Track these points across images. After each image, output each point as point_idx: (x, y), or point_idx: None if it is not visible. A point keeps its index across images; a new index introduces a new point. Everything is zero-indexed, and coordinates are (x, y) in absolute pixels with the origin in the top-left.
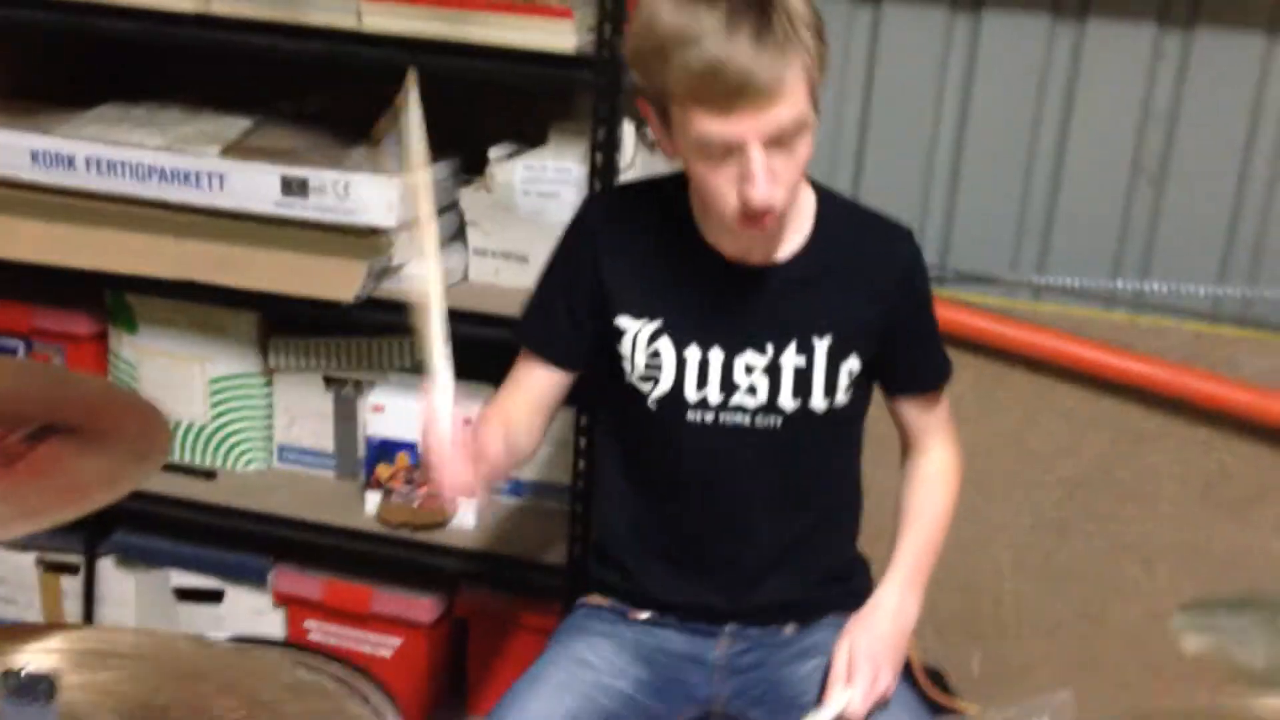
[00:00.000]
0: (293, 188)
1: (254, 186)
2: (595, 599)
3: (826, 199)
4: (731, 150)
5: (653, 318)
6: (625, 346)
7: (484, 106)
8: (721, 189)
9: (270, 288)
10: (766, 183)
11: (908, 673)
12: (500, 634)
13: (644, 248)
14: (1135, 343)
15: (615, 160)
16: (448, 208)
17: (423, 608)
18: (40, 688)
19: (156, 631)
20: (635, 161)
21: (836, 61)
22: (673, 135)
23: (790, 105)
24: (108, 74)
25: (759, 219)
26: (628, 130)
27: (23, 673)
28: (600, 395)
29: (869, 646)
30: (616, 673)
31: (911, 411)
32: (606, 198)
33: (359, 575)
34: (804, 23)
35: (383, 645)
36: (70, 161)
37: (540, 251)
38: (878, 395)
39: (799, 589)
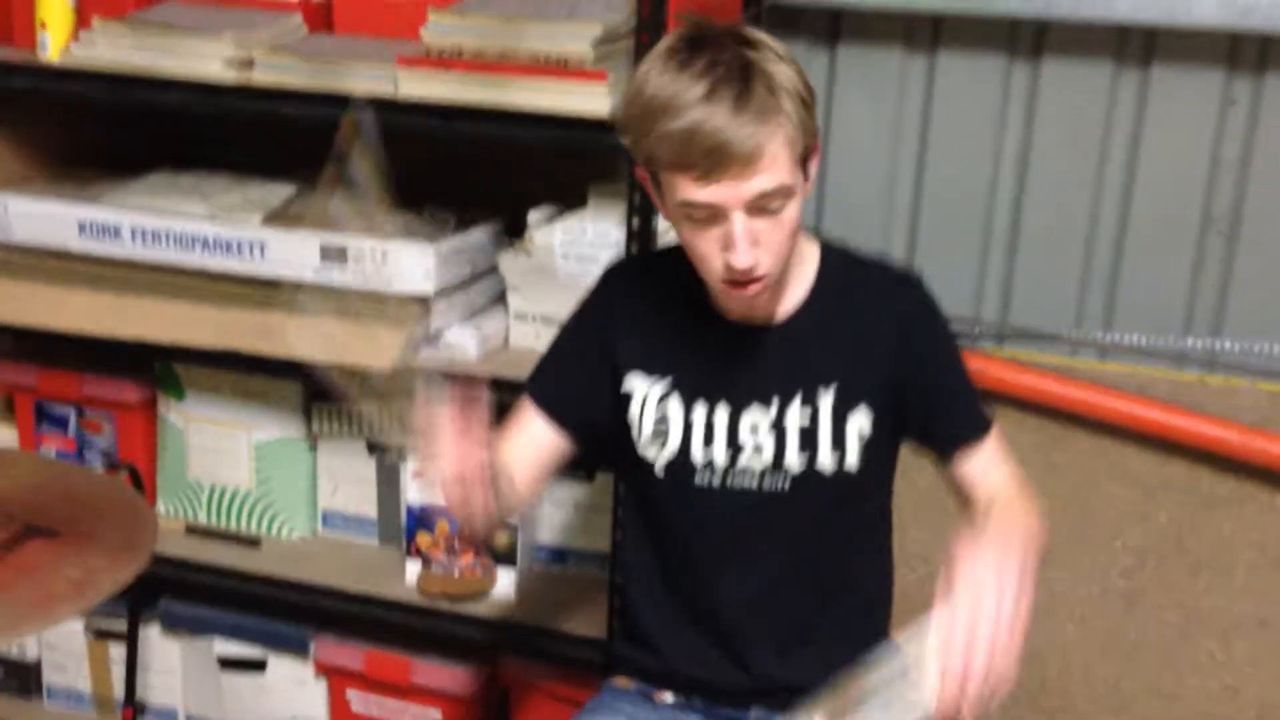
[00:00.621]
0: (332, 255)
1: (293, 254)
2: (621, 681)
3: (830, 252)
4: (715, 216)
5: (662, 377)
6: (634, 409)
7: (523, 168)
8: (707, 253)
9: (307, 355)
10: (748, 248)
11: None
12: (542, 704)
13: (655, 313)
14: (1206, 403)
15: (652, 223)
16: (488, 272)
17: (463, 679)
18: None
19: None
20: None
21: (890, 113)
22: (664, 201)
23: (771, 173)
24: (158, 142)
25: (745, 284)
26: None
27: None
28: (622, 472)
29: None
30: None
31: (963, 469)
32: (625, 266)
33: (399, 645)
34: (787, 91)
35: (424, 717)
36: (116, 232)
37: None
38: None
39: (823, 670)
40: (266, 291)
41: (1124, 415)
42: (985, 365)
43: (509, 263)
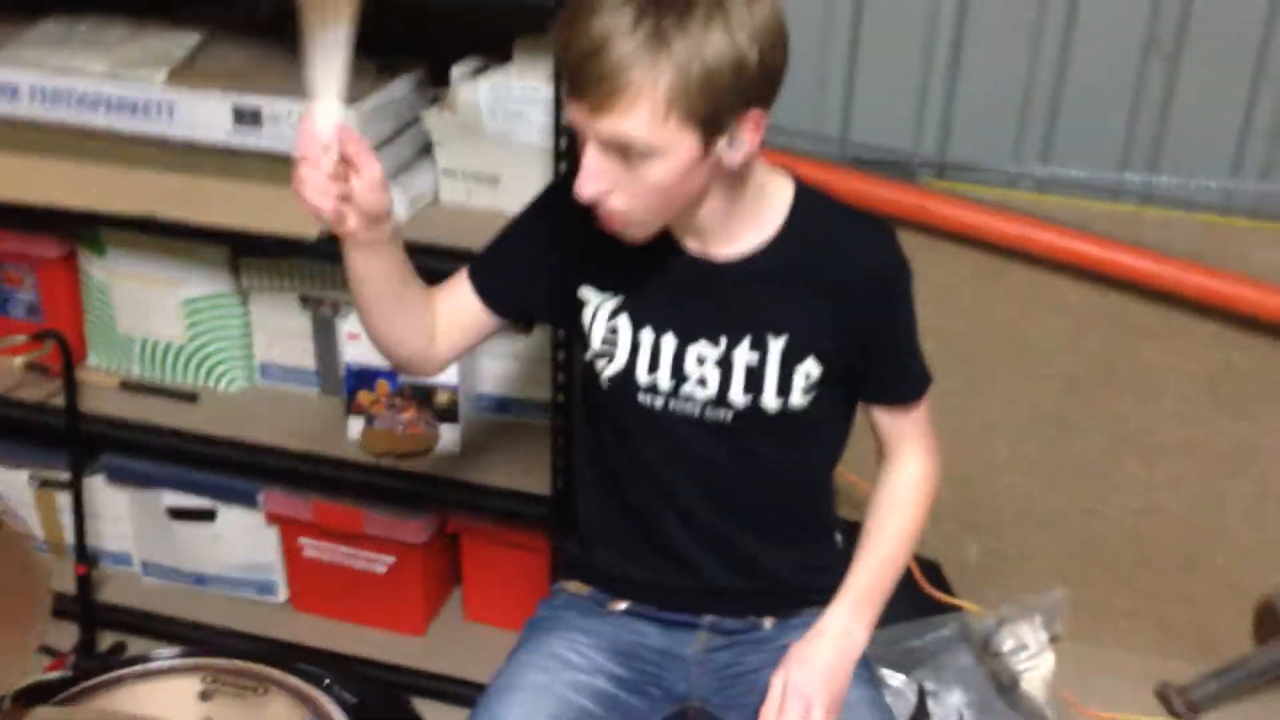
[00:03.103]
0: (245, 118)
1: (204, 117)
2: (574, 585)
3: (805, 196)
4: (580, 135)
5: (614, 294)
6: (586, 318)
7: (448, 17)
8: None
9: (232, 223)
10: (587, 179)
11: (869, 677)
12: (491, 549)
13: None
14: (1143, 235)
15: None
16: (412, 123)
17: (413, 529)
18: None
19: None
20: None
21: None
22: None
23: (628, 121)
24: None
25: (601, 214)
26: None
27: None
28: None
29: (803, 680)
30: (594, 670)
31: (885, 420)
32: None
33: (348, 498)
34: (684, 51)
35: (377, 562)
36: (14, 92)
37: (510, 171)
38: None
39: (768, 578)
40: (181, 154)
41: (1059, 248)
42: (923, 199)
43: (434, 119)
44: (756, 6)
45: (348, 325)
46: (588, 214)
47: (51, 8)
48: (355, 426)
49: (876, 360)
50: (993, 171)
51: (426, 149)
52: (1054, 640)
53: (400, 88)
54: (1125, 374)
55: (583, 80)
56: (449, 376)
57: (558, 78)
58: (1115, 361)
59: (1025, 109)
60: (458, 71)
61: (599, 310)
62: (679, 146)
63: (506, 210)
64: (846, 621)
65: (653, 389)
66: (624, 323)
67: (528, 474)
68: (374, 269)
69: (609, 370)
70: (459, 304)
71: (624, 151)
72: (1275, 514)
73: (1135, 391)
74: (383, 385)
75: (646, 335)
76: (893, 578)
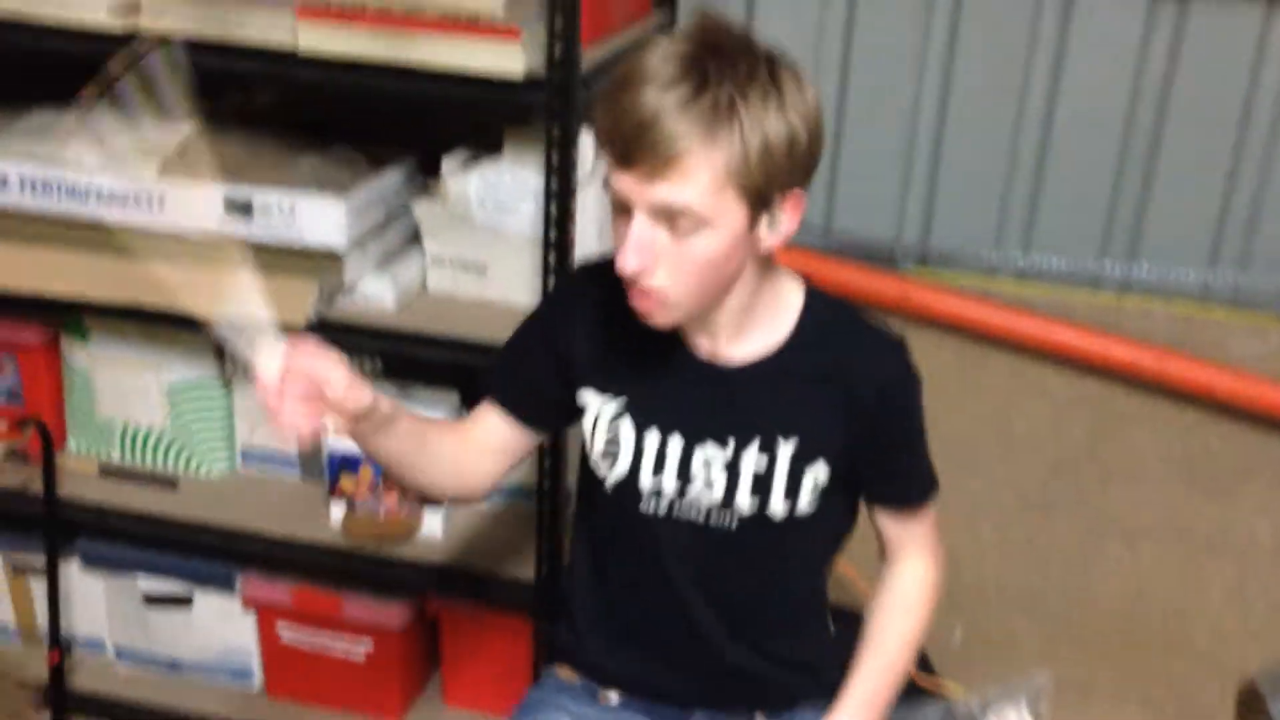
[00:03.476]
0: (236, 209)
1: (195, 208)
2: (565, 672)
3: (815, 299)
4: (625, 209)
5: (616, 396)
6: (587, 423)
7: (437, 109)
8: (615, 244)
9: (220, 311)
10: (634, 251)
11: None
12: (471, 633)
13: (618, 326)
14: (1122, 324)
15: (572, 182)
16: (401, 213)
17: (393, 614)
18: None
19: None
20: (594, 173)
21: (812, 28)
22: None
23: (685, 189)
24: (36, 79)
25: (633, 291)
26: (586, 142)
27: None
28: (583, 468)
29: None
30: None
31: (890, 524)
32: (592, 270)
33: (327, 583)
34: (748, 122)
35: (356, 648)
36: (4, 181)
37: (499, 261)
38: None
39: (762, 676)
40: (170, 243)
41: (1041, 337)
42: (906, 288)
43: (424, 209)
44: (805, 91)
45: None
46: (589, 314)
47: (41, 98)
48: (337, 511)
49: (884, 465)
50: (974, 260)
51: (415, 238)
52: None
53: (390, 178)
54: (1108, 459)
55: (638, 148)
56: None
57: (548, 169)
58: (1098, 447)
59: (1005, 199)
60: (448, 163)
61: (600, 414)
62: (729, 219)
63: (494, 299)
64: None
65: (657, 493)
66: (627, 425)
67: (512, 559)
68: (382, 444)
69: (613, 475)
70: (489, 431)
71: (673, 222)
72: (1256, 596)
73: (1117, 476)
74: (366, 471)
75: (652, 437)
76: (894, 684)
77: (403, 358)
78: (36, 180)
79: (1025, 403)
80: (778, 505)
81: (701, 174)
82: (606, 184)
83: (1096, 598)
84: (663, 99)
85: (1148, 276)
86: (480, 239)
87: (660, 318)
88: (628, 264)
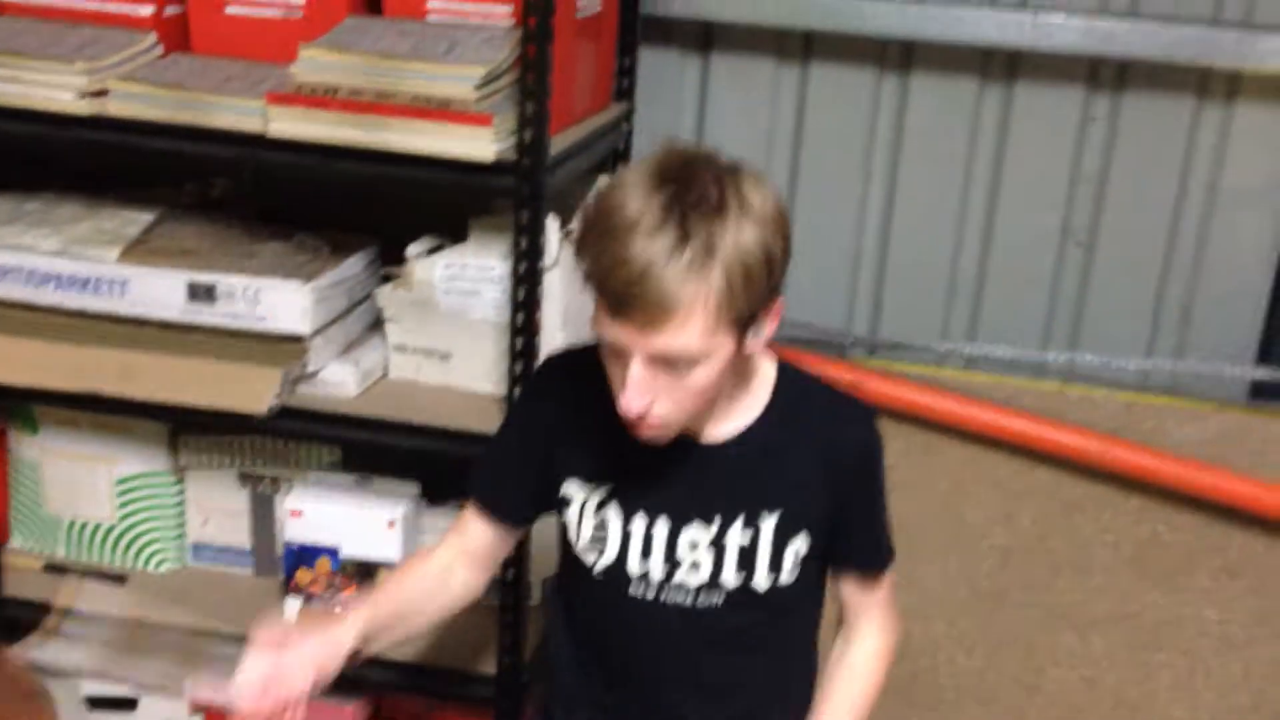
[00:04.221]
0: (200, 294)
1: (158, 293)
2: None
3: (786, 375)
4: (620, 353)
5: (601, 484)
6: (572, 514)
7: (399, 196)
8: (613, 382)
9: (177, 398)
10: (637, 395)
11: None
12: None
13: (597, 415)
14: (1066, 412)
15: (539, 266)
16: (363, 300)
17: (347, 715)
18: None
19: None
20: (560, 259)
21: (764, 124)
22: None
23: (680, 335)
24: None
25: (638, 424)
26: (552, 228)
27: None
28: (561, 555)
29: None
30: None
31: (851, 591)
32: (565, 361)
33: None
34: (728, 259)
35: None
36: None
37: (462, 347)
38: None
39: None
40: (127, 329)
41: (989, 424)
42: (856, 376)
43: (387, 296)
44: (768, 196)
45: (289, 502)
46: (563, 407)
47: (0, 187)
48: (292, 607)
49: (853, 531)
50: (922, 350)
51: (377, 325)
52: None
53: (352, 265)
54: (1057, 547)
55: (631, 304)
56: (393, 551)
57: (514, 266)
58: (1047, 535)
59: (951, 291)
60: (414, 249)
61: (586, 504)
62: (722, 349)
63: (457, 386)
64: None
65: (644, 578)
66: (613, 513)
67: (472, 653)
68: (375, 646)
69: (600, 562)
70: (474, 539)
71: (670, 364)
72: (1203, 687)
73: (1067, 565)
74: (323, 563)
75: (638, 523)
76: None
77: (363, 447)
78: None
79: (976, 491)
80: (761, 579)
81: (695, 322)
82: (598, 329)
83: (1048, 689)
84: (649, 250)
85: (1089, 365)
86: (443, 325)
87: (660, 438)
88: (631, 407)
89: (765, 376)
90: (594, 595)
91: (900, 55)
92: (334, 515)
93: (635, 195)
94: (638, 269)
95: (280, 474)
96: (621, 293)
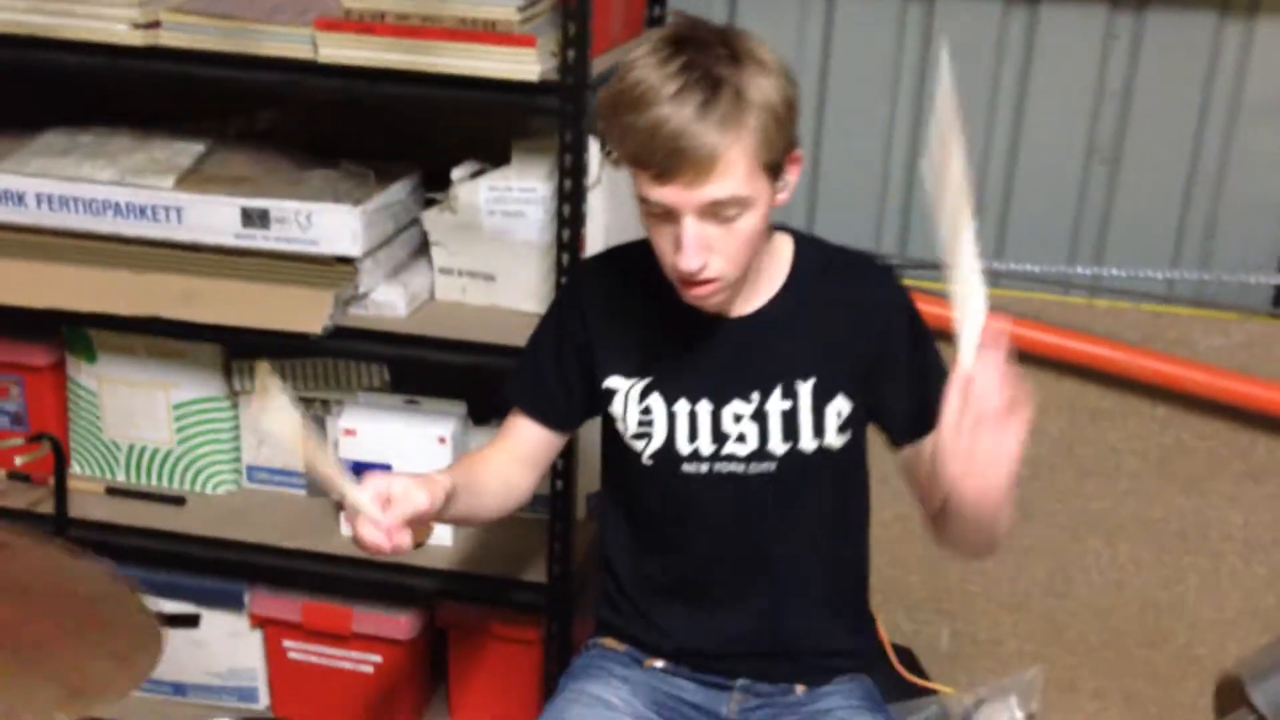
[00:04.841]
0: (253, 219)
1: (213, 219)
2: (609, 641)
3: (804, 244)
4: (669, 215)
5: (642, 376)
6: (618, 406)
7: (441, 121)
8: (663, 250)
9: (235, 321)
10: (696, 252)
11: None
12: (480, 644)
13: (630, 309)
14: (1093, 324)
15: (583, 184)
16: (409, 225)
17: (402, 625)
18: None
19: None
20: (601, 179)
21: (790, 48)
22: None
23: (725, 182)
24: (47, 99)
25: (695, 285)
26: (593, 148)
27: None
28: (606, 450)
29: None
30: (634, 714)
31: (922, 457)
32: (596, 263)
33: (337, 595)
34: (756, 104)
35: (364, 663)
36: (20, 199)
37: (507, 269)
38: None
39: (802, 649)
40: (184, 255)
41: (1017, 338)
42: None
43: (433, 219)
44: (766, 47)
45: (342, 422)
46: (602, 304)
47: (52, 122)
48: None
49: (905, 393)
50: (950, 267)
51: (423, 250)
52: (1031, 717)
53: (398, 191)
54: (1084, 457)
55: (677, 164)
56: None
57: (560, 183)
58: (1074, 445)
59: (978, 208)
60: (457, 174)
61: (629, 395)
62: (762, 193)
63: (502, 305)
64: None
65: (695, 456)
66: (657, 401)
67: (521, 564)
68: (446, 515)
69: (650, 449)
70: (521, 442)
71: (719, 214)
72: (1230, 588)
73: (1094, 473)
74: None
75: (682, 407)
76: None
77: (412, 366)
78: (54, 196)
79: None
80: (807, 441)
81: (737, 167)
82: (638, 194)
83: (1078, 594)
84: (683, 110)
85: (1115, 279)
86: (488, 247)
87: (716, 299)
88: (691, 263)
89: (785, 249)
90: (646, 482)
91: None
92: (386, 433)
93: (653, 66)
94: (677, 129)
95: (331, 396)
96: (665, 156)
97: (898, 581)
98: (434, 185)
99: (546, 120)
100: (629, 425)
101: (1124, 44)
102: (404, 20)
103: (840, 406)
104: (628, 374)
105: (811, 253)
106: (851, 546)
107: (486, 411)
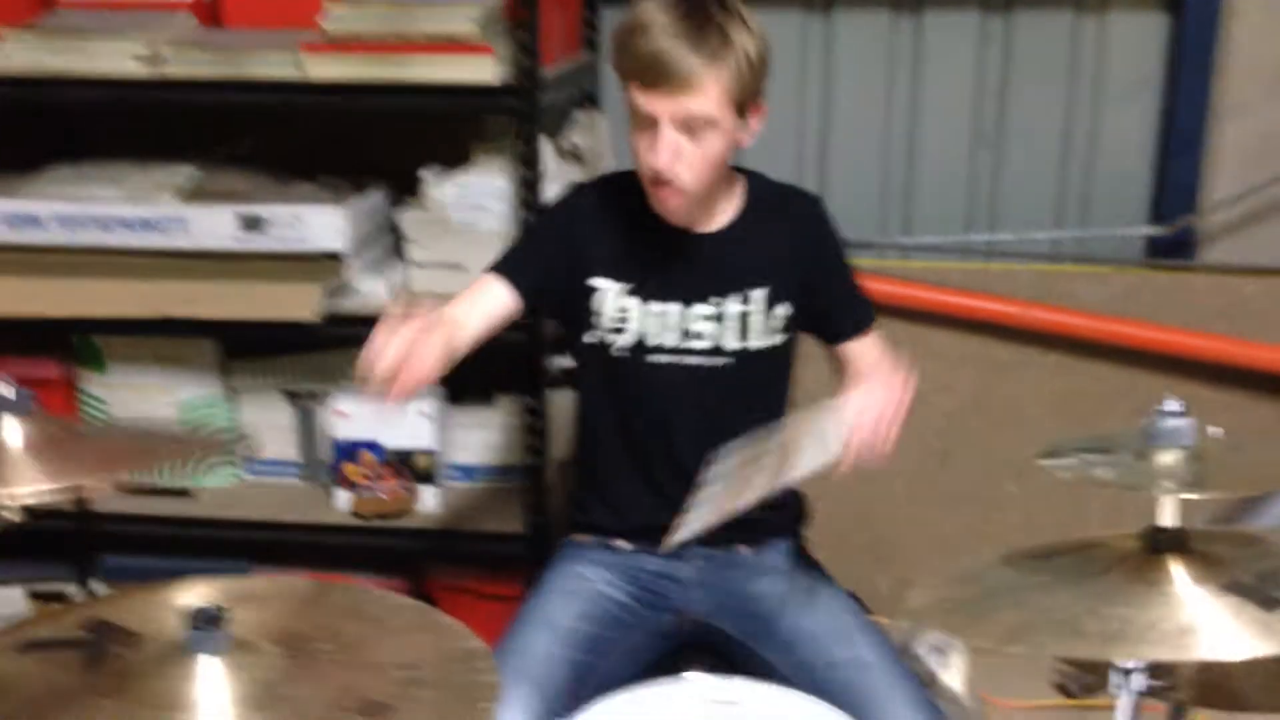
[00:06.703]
0: (249, 224)
1: (213, 226)
2: (580, 537)
3: (753, 178)
4: (651, 122)
5: (620, 279)
6: (597, 302)
7: (406, 137)
8: (641, 153)
9: (237, 315)
10: (667, 154)
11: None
12: (467, 607)
13: (617, 224)
14: (990, 285)
15: (538, 176)
16: (384, 228)
17: (391, 590)
18: (213, 617)
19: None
20: (554, 173)
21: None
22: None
23: (702, 100)
24: (44, 140)
25: (663, 185)
26: (546, 146)
27: (199, 607)
28: (576, 349)
29: (881, 399)
30: (609, 585)
31: (856, 352)
32: (589, 185)
33: (333, 567)
34: (736, 48)
35: None
36: (37, 220)
37: (474, 259)
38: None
39: (742, 516)
40: (188, 261)
41: (926, 301)
42: None
43: (407, 217)
44: (751, 16)
45: (334, 405)
46: (595, 217)
47: (53, 158)
48: (343, 497)
49: (836, 299)
50: (864, 244)
51: (396, 249)
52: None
53: (373, 196)
54: (992, 406)
55: (664, 75)
56: (427, 440)
57: (519, 174)
58: (982, 396)
59: (884, 193)
60: (427, 174)
61: (609, 294)
62: (727, 121)
63: None
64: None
65: (660, 349)
66: (633, 301)
67: (502, 521)
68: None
69: (621, 341)
70: (486, 301)
71: (691, 128)
72: (1130, 510)
73: (1003, 420)
74: (366, 455)
75: (654, 307)
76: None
77: None
78: (68, 216)
79: (919, 363)
80: (757, 340)
81: (712, 92)
82: (630, 107)
83: (997, 533)
84: (677, 37)
85: (1007, 243)
86: (456, 240)
87: (678, 205)
88: (661, 161)
89: (739, 182)
90: (620, 369)
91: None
92: (374, 412)
93: (657, 10)
94: (669, 49)
95: (320, 389)
96: (655, 72)
97: (838, 533)
98: (402, 192)
99: (501, 124)
100: (607, 319)
101: (997, 44)
102: (379, 39)
103: (783, 310)
104: (609, 276)
105: (759, 185)
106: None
107: (463, 390)
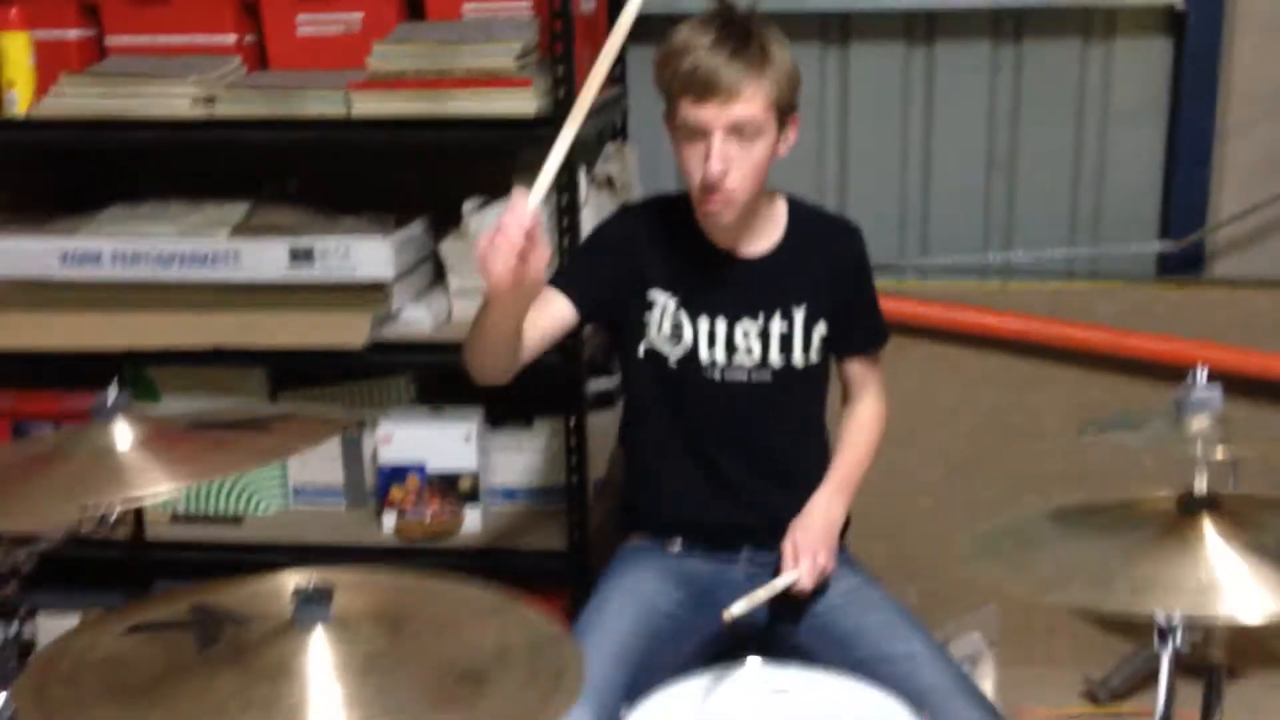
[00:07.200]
0: (299, 256)
1: (265, 259)
2: (634, 540)
3: (796, 205)
4: (700, 134)
5: (675, 294)
6: (655, 314)
7: (447, 170)
8: (691, 167)
9: (287, 343)
10: (719, 162)
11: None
12: None
13: (671, 243)
14: (1007, 304)
15: (576, 204)
16: (426, 259)
17: None
18: (321, 591)
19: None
20: (589, 199)
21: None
22: (670, 126)
23: (750, 107)
24: (98, 184)
25: (713, 195)
26: (582, 175)
27: (306, 585)
28: (629, 363)
29: (806, 538)
30: (661, 595)
31: (856, 368)
32: (640, 206)
33: None
34: (775, 62)
35: None
36: (97, 258)
37: None
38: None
39: (782, 518)
40: (241, 294)
41: (945, 320)
42: None
43: (449, 247)
44: (781, 35)
45: (380, 431)
46: (648, 235)
47: (111, 199)
48: (389, 520)
49: (857, 319)
50: (884, 267)
51: (439, 279)
52: (992, 645)
53: (416, 228)
54: (1014, 421)
55: (712, 87)
56: (469, 463)
57: (557, 200)
58: (1003, 411)
59: (903, 217)
60: (468, 206)
61: (666, 308)
62: (771, 128)
63: None
64: (829, 499)
65: (712, 364)
66: (685, 316)
67: (542, 539)
68: (508, 325)
69: (676, 352)
70: (549, 315)
71: (740, 134)
72: None
73: (1023, 434)
74: (412, 479)
75: (704, 322)
76: (859, 475)
77: (441, 373)
78: (126, 253)
79: (941, 381)
80: (798, 357)
81: (758, 98)
82: (678, 124)
83: None
84: (721, 52)
85: (1023, 262)
86: None
87: (728, 214)
88: (714, 169)
89: (780, 206)
90: (673, 380)
91: (838, 29)
92: (418, 437)
93: (696, 30)
94: (715, 63)
95: (367, 415)
96: (704, 82)
97: (870, 548)
98: (443, 223)
99: (539, 155)
100: (663, 330)
101: (1007, 71)
102: (422, 75)
103: (822, 330)
104: (667, 290)
105: (802, 211)
106: (821, 441)
107: (503, 413)
